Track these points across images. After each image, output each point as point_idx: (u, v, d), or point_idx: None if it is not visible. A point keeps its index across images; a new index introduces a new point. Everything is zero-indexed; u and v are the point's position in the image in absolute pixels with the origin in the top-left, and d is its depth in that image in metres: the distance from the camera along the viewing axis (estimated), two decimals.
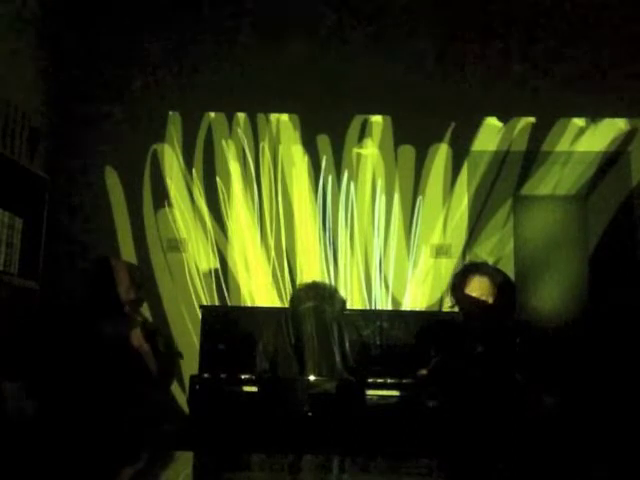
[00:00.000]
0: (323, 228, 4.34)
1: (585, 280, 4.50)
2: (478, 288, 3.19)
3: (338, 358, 3.27)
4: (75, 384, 3.24)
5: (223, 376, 3.65)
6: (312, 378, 3.24)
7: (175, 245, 4.35)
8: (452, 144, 4.37)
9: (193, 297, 4.28)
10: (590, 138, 4.39)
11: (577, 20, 4.45)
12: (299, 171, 4.40)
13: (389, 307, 4.27)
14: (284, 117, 4.44)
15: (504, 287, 3.21)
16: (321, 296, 3.41)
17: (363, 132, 4.42)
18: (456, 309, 3.29)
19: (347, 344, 3.36)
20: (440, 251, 4.33)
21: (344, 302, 3.54)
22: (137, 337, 3.43)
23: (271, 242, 4.34)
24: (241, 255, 4.34)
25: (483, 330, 3.14)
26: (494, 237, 4.34)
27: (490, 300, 3.17)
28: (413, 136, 4.37)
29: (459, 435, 2.93)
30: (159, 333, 3.65)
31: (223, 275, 4.32)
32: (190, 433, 3.48)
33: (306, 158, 4.40)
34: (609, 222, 4.43)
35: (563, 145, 4.39)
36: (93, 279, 3.56)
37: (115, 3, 4.53)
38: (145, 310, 4.06)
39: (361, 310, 4.20)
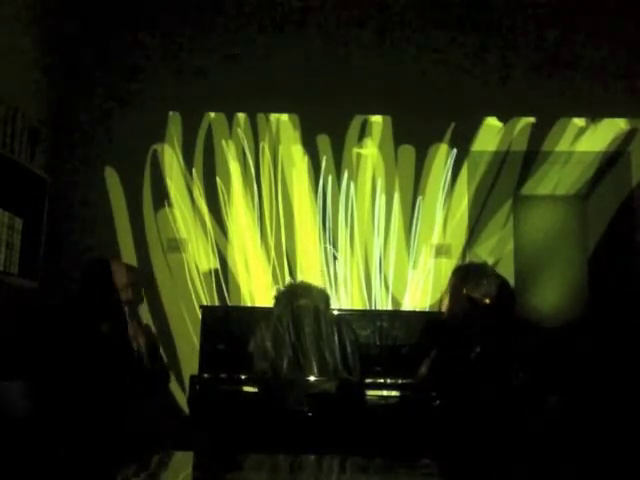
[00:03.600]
0: (323, 228, 4.34)
1: (585, 280, 4.50)
2: (475, 289, 3.19)
3: (338, 358, 3.26)
4: (74, 384, 3.24)
5: (223, 376, 3.65)
6: (312, 378, 3.23)
7: (175, 245, 4.35)
8: (452, 144, 4.37)
9: (193, 297, 4.28)
10: (590, 138, 4.39)
11: (577, 20, 4.45)
12: (299, 171, 4.40)
13: (389, 307, 4.27)
14: (284, 117, 4.44)
15: (501, 287, 3.20)
16: (307, 293, 3.38)
17: (363, 132, 4.42)
18: (443, 309, 3.29)
19: (347, 344, 3.35)
20: (440, 251, 4.33)
21: (328, 298, 3.51)
22: (135, 338, 3.43)
23: (271, 242, 4.34)
24: (241, 255, 4.34)
25: (482, 330, 3.14)
26: (494, 237, 4.34)
27: (488, 300, 3.17)
28: (413, 136, 4.37)
29: (459, 435, 2.93)
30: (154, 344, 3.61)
31: (223, 275, 4.32)
32: (190, 433, 3.47)
33: (306, 158, 4.40)
34: (609, 222, 4.43)
35: (563, 145, 4.39)
36: (90, 279, 3.54)
37: (115, 3, 4.54)
38: (145, 310, 4.05)
39: (361, 310, 4.20)
